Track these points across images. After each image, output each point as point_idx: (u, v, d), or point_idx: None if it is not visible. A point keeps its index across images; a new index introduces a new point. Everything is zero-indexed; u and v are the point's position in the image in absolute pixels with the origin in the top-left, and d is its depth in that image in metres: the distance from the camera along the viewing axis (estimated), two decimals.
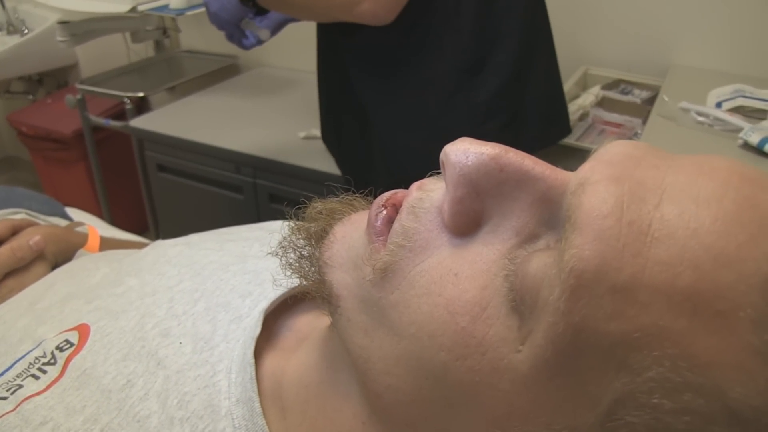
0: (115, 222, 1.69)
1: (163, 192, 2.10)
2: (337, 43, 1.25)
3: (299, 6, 1.14)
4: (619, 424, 0.29)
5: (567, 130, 1.41)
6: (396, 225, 0.37)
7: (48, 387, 0.47)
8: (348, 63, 1.25)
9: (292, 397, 0.44)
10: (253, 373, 0.44)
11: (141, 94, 2.17)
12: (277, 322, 0.52)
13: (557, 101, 1.35)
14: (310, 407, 0.43)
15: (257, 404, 0.43)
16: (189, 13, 2.14)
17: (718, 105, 1.40)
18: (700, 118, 1.33)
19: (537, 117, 1.27)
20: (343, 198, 0.45)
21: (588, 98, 1.73)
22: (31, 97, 2.97)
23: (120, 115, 2.25)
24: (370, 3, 1.05)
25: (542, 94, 1.28)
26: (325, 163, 1.66)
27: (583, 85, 1.84)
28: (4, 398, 0.46)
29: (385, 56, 1.19)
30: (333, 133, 1.47)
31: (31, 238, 0.68)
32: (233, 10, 1.17)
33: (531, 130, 1.27)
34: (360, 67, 1.23)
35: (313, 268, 0.42)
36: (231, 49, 2.50)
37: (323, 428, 0.42)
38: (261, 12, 1.22)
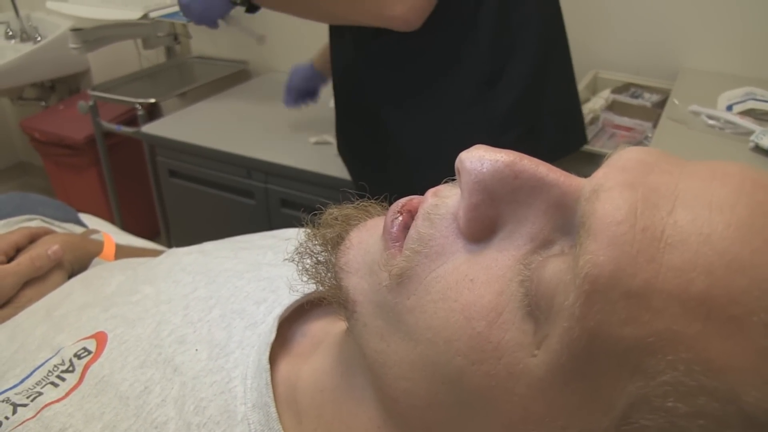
0: (126, 227, 1.70)
1: (174, 197, 2.11)
2: (353, 51, 1.22)
3: (315, 7, 1.10)
4: (634, 428, 0.29)
5: (583, 139, 1.38)
6: (412, 231, 0.37)
7: (67, 394, 0.47)
8: (364, 72, 1.22)
9: (308, 402, 0.45)
10: (269, 379, 0.44)
11: (152, 100, 2.18)
12: (291, 328, 0.52)
13: (573, 110, 1.33)
14: (325, 412, 0.44)
15: (273, 409, 0.43)
16: None
17: (729, 108, 1.40)
18: (711, 122, 1.33)
19: (554, 127, 1.25)
20: (358, 204, 0.46)
21: (598, 102, 1.73)
22: (43, 103, 2.99)
23: (131, 120, 2.27)
24: (402, 7, 1.01)
25: (559, 104, 1.26)
26: (336, 168, 1.66)
27: (593, 89, 1.84)
28: (25, 405, 0.47)
29: (403, 67, 1.16)
30: (347, 144, 1.44)
31: (49, 247, 0.69)
32: (218, 6, 1.13)
33: (548, 141, 1.25)
34: (376, 77, 1.21)
35: (329, 274, 0.43)
36: (242, 54, 2.53)
37: None
38: (252, 9, 1.17)
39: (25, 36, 2.88)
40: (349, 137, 1.41)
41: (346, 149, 1.44)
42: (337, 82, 1.34)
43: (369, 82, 1.22)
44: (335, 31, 1.28)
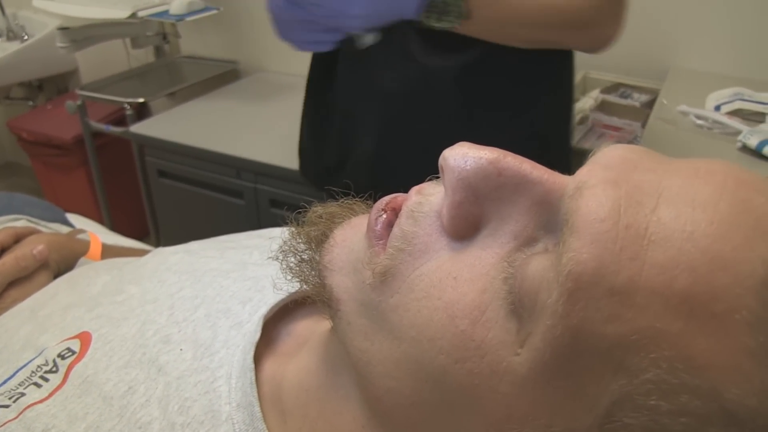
0: (115, 227, 1.69)
1: (163, 197, 2.11)
2: (418, 61, 1.04)
3: (528, 35, 0.94)
4: (617, 426, 0.29)
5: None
6: (395, 229, 0.37)
7: (50, 395, 0.47)
8: (434, 86, 1.05)
9: (292, 401, 0.45)
10: (253, 378, 0.44)
11: (141, 100, 2.17)
12: (276, 327, 0.52)
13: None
14: (310, 411, 0.43)
15: (257, 409, 0.43)
16: (189, 18, 2.15)
17: (717, 108, 1.41)
18: (699, 122, 1.33)
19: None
20: (343, 202, 0.45)
21: (587, 102, 1.73)
22: (31, 103, 2.98)
23: (120, 120, 2.26)
24: (616, 29, 0.92)
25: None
26: None
27: (583, 89, 1.85)
28: (7, 406, 0.46)
29: (488, 81, 1.04)
30: (386, 155, 1.16)
31: (34, 247, 0.68)
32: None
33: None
34: (450, 90, 1.04)
35: (313, 272, 0.42)
36: (231, 54, 2.52)
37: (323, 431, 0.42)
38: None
39: (12, 35, 2.86)
40: (396, 149, 1.18)
41: (382, 158, 1.20)
42: (394, 92, 1.11)
43: (438, 95, 1.07)
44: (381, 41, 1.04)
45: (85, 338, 0.51)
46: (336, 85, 1.16)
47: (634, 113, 1.70)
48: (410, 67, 1.07)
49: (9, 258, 0.67)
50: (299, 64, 2.38)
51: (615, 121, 1.69)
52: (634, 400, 0.28)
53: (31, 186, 3.07)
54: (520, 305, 0.31)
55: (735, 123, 1.30)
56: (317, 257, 0.42)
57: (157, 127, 2.00)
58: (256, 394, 0.44)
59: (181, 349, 0.47)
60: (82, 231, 0.87)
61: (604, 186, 0.30)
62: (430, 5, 0.86)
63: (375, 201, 0.41)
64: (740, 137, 1.23)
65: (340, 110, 1.18)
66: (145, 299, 0.54)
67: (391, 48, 1.05)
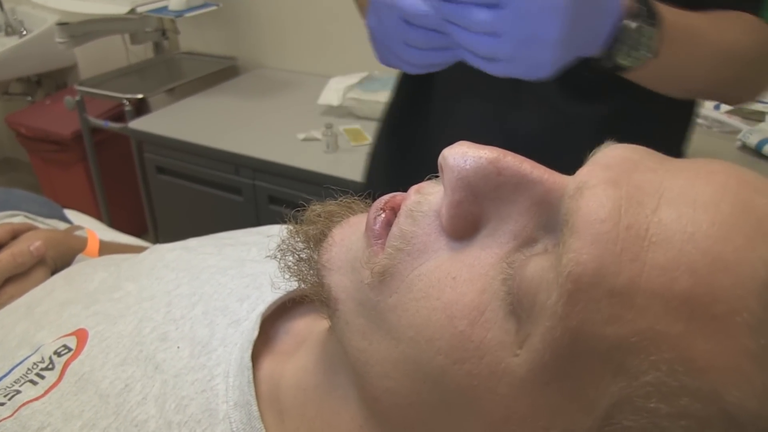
0: (114, 224, 1.69)
1: (162, 194, 2.10)
2: (558, 107, 0.91)
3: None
4: (616, 428, 0.29)
5: None
6: (394, 228, 0.37)
7: (46, 392, 0.46)
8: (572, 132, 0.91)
9: (290, 401, 0.44)
10: (251, 377, 0.44)
11: (140, 96, 2.17)
12: (275, 325, 0.52)
13: None
14: (307, 410, 0.43)
15: (255, 408, 0.43)
16: (188, 14, 2.15)
17: (717, 107, 1.40)
18: (699, 120, 1.33)
19: None
20: (341, 201, 0.45)
21: None
22: (29, 98, 2.97)
23: (119, 116, 2.25)
24: None
25: None
26: (324, 164, 1.66)
27: None
28: (2, 404, 0.46)
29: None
30: None
31: (31, 243, 0.68)
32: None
33: None
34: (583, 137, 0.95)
35: (311, 271, 0.42)
36: (230, 50, 2.52)
37: (321, 431, 0.42)
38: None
39: (11, 30, 2.86)
40: None
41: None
42: (518, 135, 0.95)
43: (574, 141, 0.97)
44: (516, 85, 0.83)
45: (81, 335, 0.51)
46: (430, 118, 0.99)
47: None
48: (544, 110, 0.92)
49: (6, 254, 0.67)
50: (298, 60, 2.38)
51: None
52: (634, 402, 0.28)
53: (29, 182, 3.07)
54: (519, 306, 0.31)
55: (734, 122, 1.30)
56: (315, 256, 0.42)
57: (155, 123, 2.00)
58: (253, 393, 0.43)
59: (178, 347, 0.47)
60: (79, 227, 0.87)
61: (605, 186, 0.30)
62: (621, 35, 0.71)
63: (374, 200, 0.41)
64: (740, 136, 1.23)
65: (435, 149, 0.98)
66: (142, 296, 0.54)
67: (515, 83, 0.81)
